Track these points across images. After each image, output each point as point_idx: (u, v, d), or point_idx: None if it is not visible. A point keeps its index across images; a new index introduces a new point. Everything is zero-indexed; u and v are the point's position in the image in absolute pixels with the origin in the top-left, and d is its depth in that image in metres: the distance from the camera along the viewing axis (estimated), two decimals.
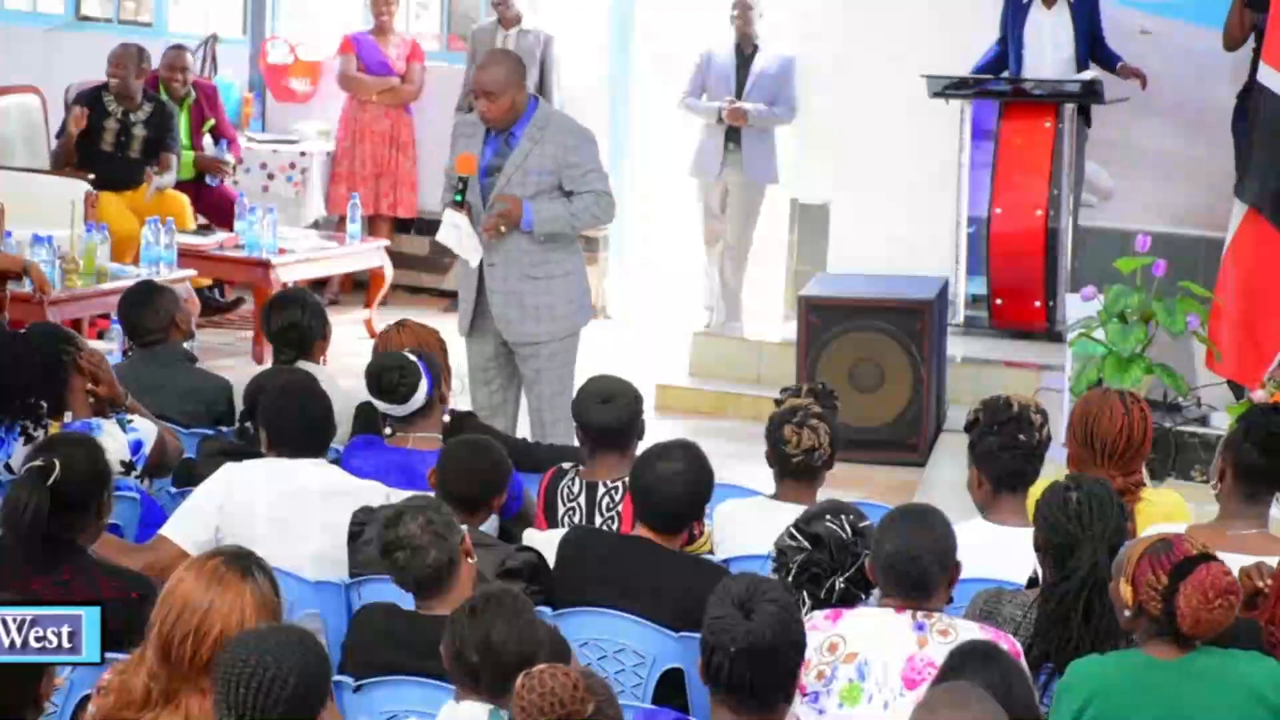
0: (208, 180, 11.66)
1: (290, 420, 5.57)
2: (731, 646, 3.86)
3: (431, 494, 5.07)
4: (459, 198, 7.18)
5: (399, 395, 5.89)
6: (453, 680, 4.09)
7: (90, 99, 11.09)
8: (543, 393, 7.37)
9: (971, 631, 4.31)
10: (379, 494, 5.54)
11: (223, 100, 12.08)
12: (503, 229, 7.17)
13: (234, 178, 11.95)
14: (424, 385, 5.90)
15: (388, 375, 5.89)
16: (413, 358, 5.93)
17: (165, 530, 5.39)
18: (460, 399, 6.22)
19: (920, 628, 4.33)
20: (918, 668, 4.27)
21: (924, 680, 4.23)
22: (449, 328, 7.02)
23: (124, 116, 11.06)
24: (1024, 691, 3.98)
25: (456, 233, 7.21)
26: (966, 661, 3.94)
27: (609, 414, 5.72)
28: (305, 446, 5.53)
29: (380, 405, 5.95)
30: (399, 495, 5.58)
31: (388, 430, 6.00)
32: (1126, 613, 4.23)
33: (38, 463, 4.65)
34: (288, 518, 5.38)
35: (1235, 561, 4.88)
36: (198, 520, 5.39)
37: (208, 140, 11.79)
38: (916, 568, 4.37)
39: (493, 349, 7.41)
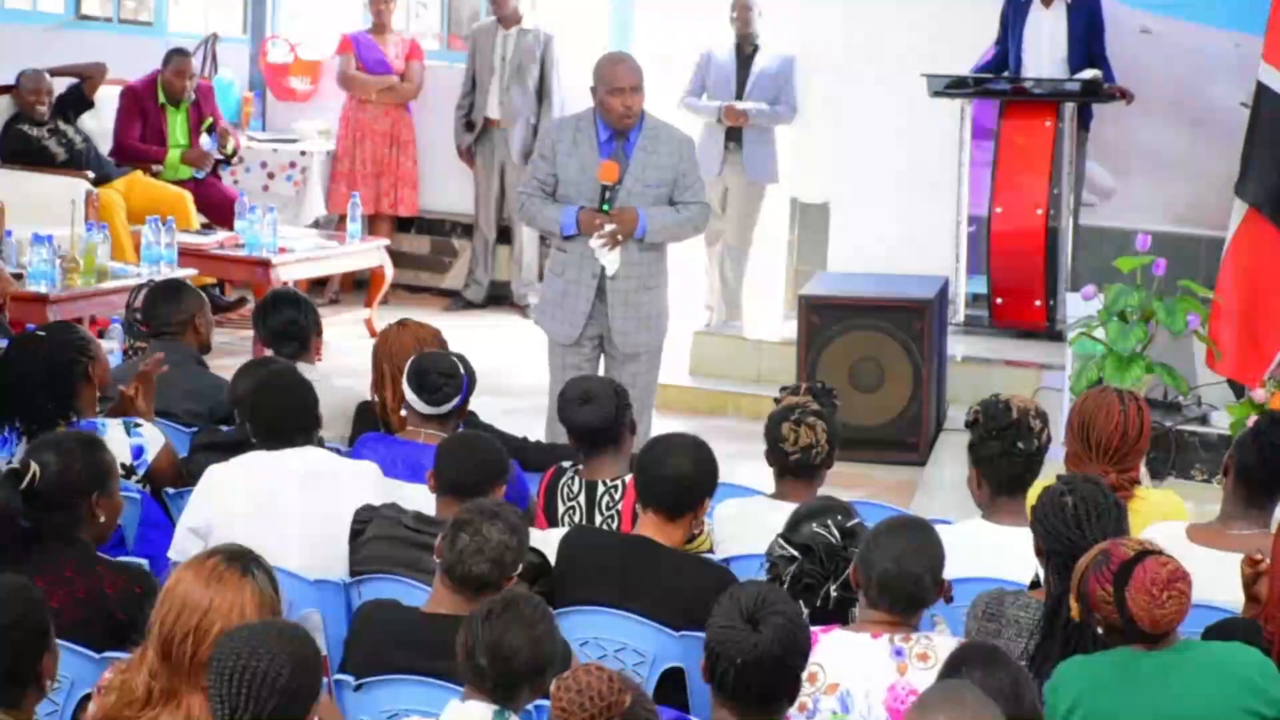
0: (195, 174, 11.68)
1: (270, 411, 5.59)
2: (738, 658, 3.87)
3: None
4: (606, 207, 7.31)
5: (436, 399, 5.92)
6: (461, 679, 4.09)
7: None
8: (642, 399, 7.44)
9: (951, 649, 4.23)
10: (370, 474, 5.56)
11: (219, 101, 12.08)
12: (619, 238, 7.32)
13: (236, 156, 11.91)
14: (458, 399, 5.95)
15: (431, 379, 5.92)
16: (461, 369, 5.96)
17: (174, 555, 5.39)
18: None
19: (899, 654, 4.30)
20: (900, 696, 4.23)
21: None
22: (449, 327, 7.02)
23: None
24: (1030, 695, 3.94)
25: (601, 253, 7.34)
26: (970, 666, 3.91)
27: (591, 414, 5.73)
28: (289, 435, 5.54)
29: (409, 396, 5.96)
30: (395, 483, 5.60)
31: (401, 411, 6.02)
32: (1100, 630, 4.21)
33: (14, 465, 4.67)
34: (266, 511, 5.38)
35: (1235, 561, 4.89)
36: (196, 538, 5.41)
37: (205, 140, 11.80)
38: (919, 587, 4.35)
39: (588, 353, 7.50)
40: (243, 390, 5.97)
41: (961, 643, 4.17)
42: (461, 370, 5.96)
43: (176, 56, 11.69)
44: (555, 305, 7.55)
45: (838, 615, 4.55)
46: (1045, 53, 10.13)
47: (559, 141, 7.43)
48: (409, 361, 6.00)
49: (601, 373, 7.44)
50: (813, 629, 4.35)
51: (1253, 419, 6.08)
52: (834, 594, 4.56)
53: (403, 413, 6.03)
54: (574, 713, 3.61)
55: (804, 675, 4.19)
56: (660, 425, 8.10)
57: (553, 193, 7.43)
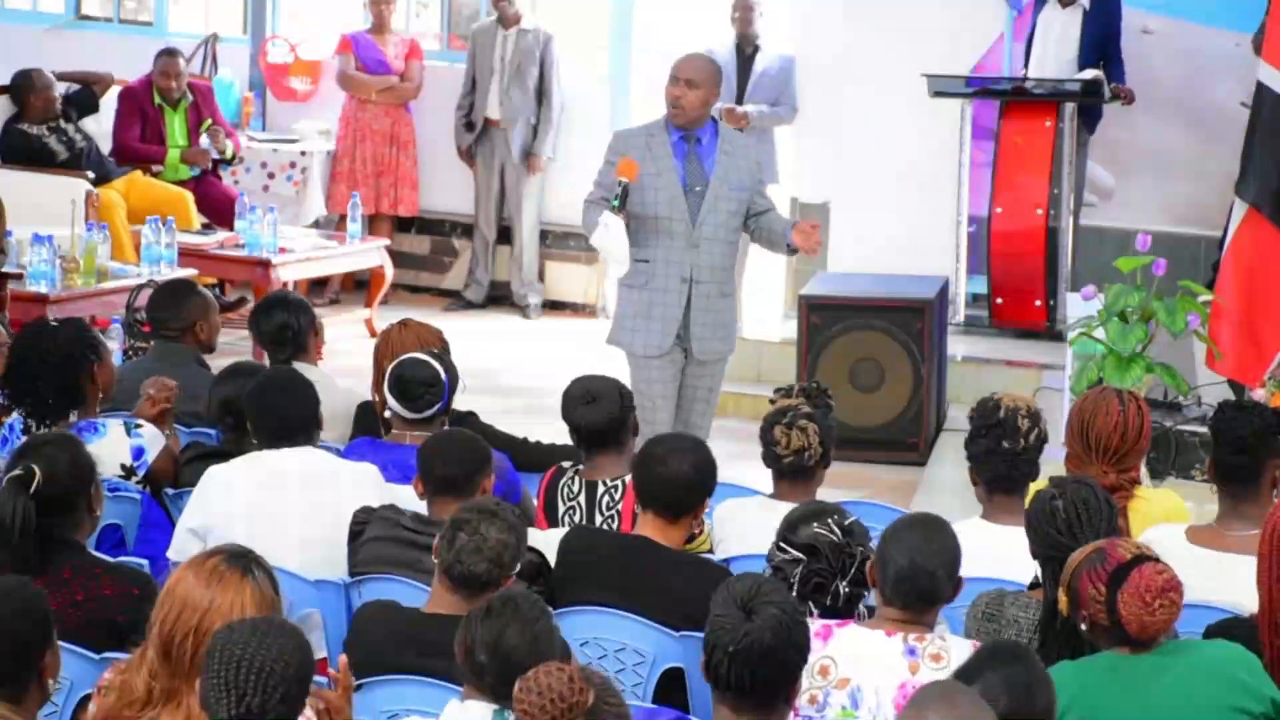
0: (192, 171, 11.68)
1: (272, 412, 5.59)
2: (730, 646, 3.86)
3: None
4: (617, 202, 7.11)
5: (418, 405, 5.91)
6: (461, 678, 4.09)
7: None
8: (708, 405, 7.47)
9: (965, 652, 4.23)
10: (369, 476, 5.56)
11: (218, 101, 12.07)
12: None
13: (237, 158, 11.90)
14: (441, 403, 5.94)
15: (412, 388, 5.90)
16: (442, 373, 5.93)
17: (173, 555, 5.40)
18: (460, 399, 6.23)
19: (912, 653, 4.30)
20: (910, 696, 4.23)
21: None
22: (449, 327, 7.01)
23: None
24: (1046, 697, 3.87)
25: (605, 233, 7.12)
26: (995, 661, 3.87)
27: (595, 414, 5.72)
28: (289, 436, 5.54)
29: (391, 403, 5.96)
30: (390, 487, 5.60)
31: (386, 413, 6.01)
32: (1083, 626, 4.21)
33: (17, 471, 4.65)
34: (265, 512, 5.39)
35: (1235, 562, 4.90)
36: (195, 538, 5.41)
37: (205, 140, 11.80)
38: (932, 583, 4.34)
39: (674, 369, 7.38)
40: (224, 396, 5.97)
41: (993, 641, 4.15)
42: (443, 376, 5.93)
43: (164, 56, 11.69)
44: (640, 317, 7.35)
45: (848, 612, 4.55)
46: (1051, 52, 10.13)
47: (630, 150, 7.28)
48: (389, 368, 5.98)
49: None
50: (827, 622, 4.38)
51: None
52: (844, 590, 4.55)
53: (387, 414, 6.03)
54: (536, 715, 3.58)
55: (814, 669, 4.21)
56: None
57: None
